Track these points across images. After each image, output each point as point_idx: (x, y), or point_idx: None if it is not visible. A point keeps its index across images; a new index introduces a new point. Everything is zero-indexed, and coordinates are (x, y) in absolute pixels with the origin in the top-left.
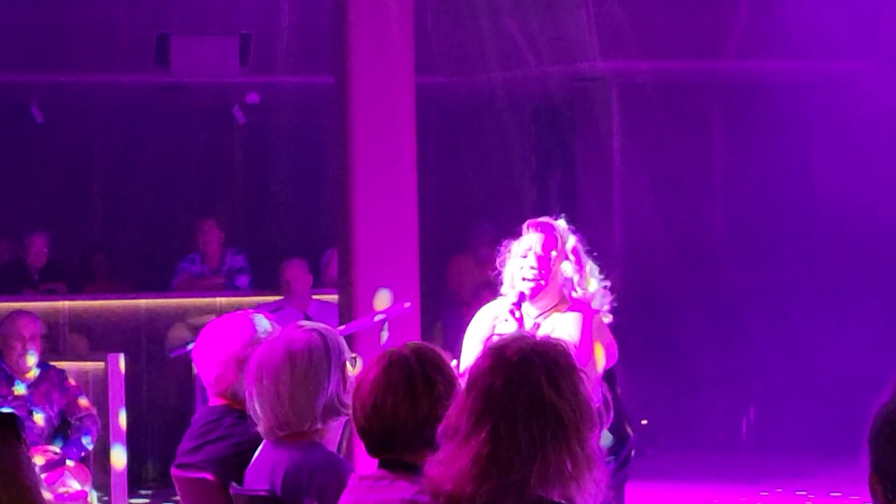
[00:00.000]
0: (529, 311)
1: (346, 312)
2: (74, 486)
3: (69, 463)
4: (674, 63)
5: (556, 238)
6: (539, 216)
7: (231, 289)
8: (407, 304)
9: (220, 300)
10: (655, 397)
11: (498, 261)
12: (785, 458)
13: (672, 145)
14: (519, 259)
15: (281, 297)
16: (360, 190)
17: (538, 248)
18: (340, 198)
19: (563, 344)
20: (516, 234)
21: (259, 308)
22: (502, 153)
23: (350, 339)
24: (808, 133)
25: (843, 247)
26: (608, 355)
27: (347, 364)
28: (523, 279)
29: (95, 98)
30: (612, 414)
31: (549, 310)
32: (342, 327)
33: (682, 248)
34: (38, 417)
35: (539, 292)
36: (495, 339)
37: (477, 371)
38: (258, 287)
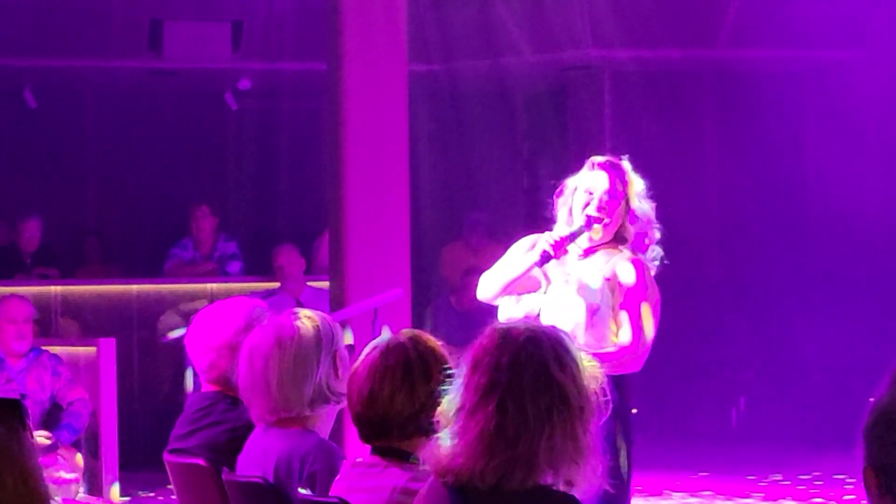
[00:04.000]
0: (581, 241)
1: (337, 299)
2: (64, 472)
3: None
4: (665, 52)
5: (624, 179)
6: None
7: (222, 275)
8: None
9: (212, 286)
10: (645, 386)
11: (555, 195)
12: (775, 448)
13: (664, 134)
14: (584, 195)
15: (277, 285)
16: (351, 177)
17: (606, 185)
18: (332, 185)
19: (567, 333)
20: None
21: (253, 295)
22: (494, 141)
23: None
24: (800, 122)
25: (835, 236)
26: (655, 320)
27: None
28: (587, 216)
29: (88, 83)
30: (610, 406)
31: (599, 246)
32: (339, 312)
33: (674, 237)
34: (30, 402)
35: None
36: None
37: (482, 350)
38: (249, 273)
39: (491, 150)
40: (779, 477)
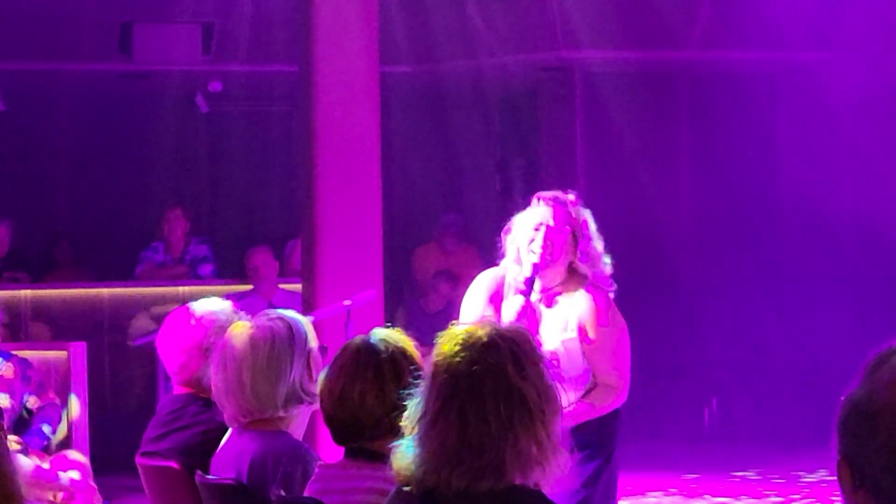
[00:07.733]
0: (535, 285)
1: (308, 302)
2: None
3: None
4: (638, 53)
5: (570, 213)
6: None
7: (194, 278)
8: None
9: (183, 289)
10: None
11: (503, 230)
12: (747, 448)
13: (636, 136)
14: (529, 231)
15: (250, 287)
16: (323, 179)
17: (550, 222)
18: (304, 187)
19: (527, 330)
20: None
21: (225, 297)
22: (466, 143)
23: (316, 328)
24: (772, 123)
25: (808, 236)
26: (626, 354)
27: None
28: (530, 251)
29: (58, 85)
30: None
31: (556, 286)
32: (312, 315)
33: (647, 238)
34: None
35: (546, 268)
36: (505, 304)
37: (442, 356)
38: (221, 276)
39: (464, 151)
40: (752, 475)
